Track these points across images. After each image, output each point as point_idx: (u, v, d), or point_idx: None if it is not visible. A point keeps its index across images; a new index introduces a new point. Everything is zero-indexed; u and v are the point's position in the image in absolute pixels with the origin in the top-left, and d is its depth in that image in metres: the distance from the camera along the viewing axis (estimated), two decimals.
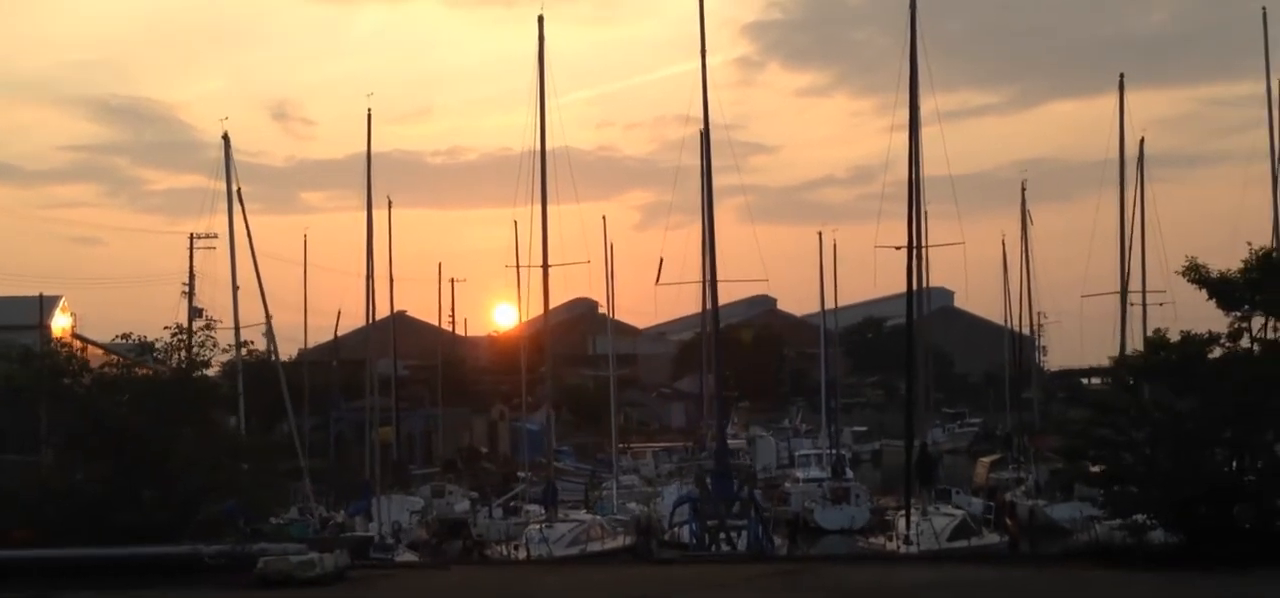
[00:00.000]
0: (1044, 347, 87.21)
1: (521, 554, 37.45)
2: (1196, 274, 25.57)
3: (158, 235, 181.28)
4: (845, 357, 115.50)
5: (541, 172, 40.87)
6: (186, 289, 64.78)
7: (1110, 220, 51.21)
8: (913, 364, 36.82)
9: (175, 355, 28.66)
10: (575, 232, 47.46)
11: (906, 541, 33.89)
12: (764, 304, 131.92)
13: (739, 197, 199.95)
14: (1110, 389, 28.90)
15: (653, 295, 62.20)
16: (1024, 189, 57.96)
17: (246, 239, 42.70)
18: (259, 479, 29.96)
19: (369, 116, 48.80)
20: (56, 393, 29.04)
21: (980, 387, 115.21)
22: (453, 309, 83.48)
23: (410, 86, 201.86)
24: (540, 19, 43.13)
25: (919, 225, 35.83)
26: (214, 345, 29.45)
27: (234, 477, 29.34)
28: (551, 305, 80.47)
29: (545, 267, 42.34)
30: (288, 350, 65.82)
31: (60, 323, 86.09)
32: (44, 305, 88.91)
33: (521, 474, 74.19)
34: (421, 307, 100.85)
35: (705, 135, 38.21)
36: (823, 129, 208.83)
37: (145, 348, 28.94)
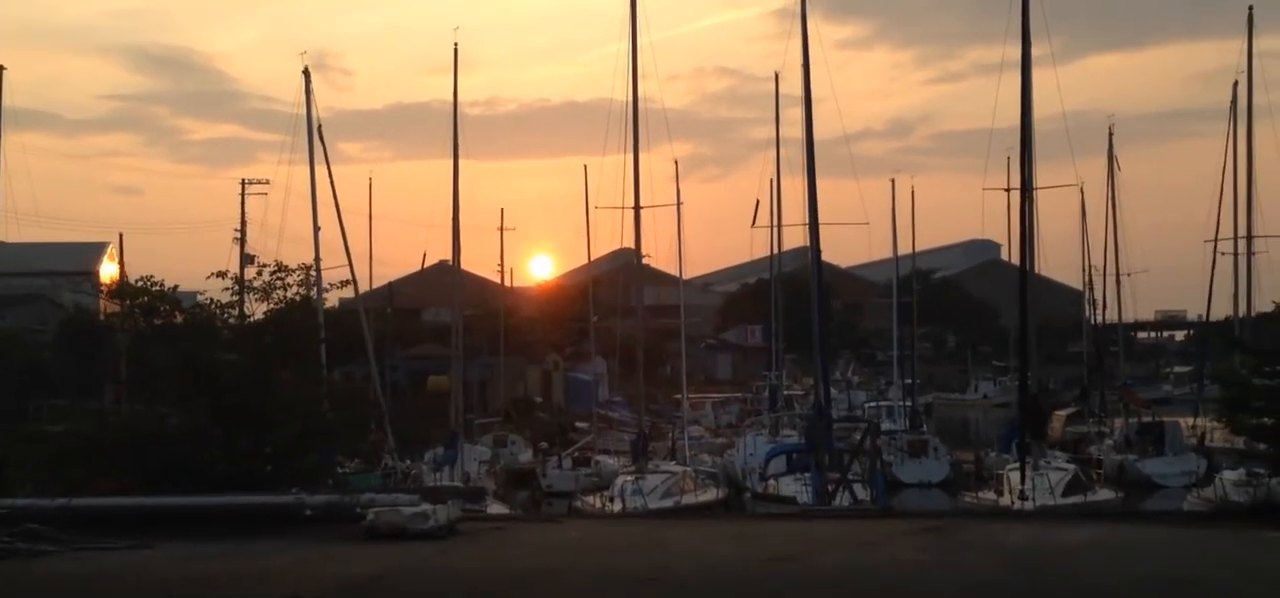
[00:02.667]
0: (1094, 299, 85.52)
1: (616, 506, 35.87)
2: None
3: (198, 182, 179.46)
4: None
5: (634, 113, 39.20)
6: (238, 236, 63.61)
7: (1199, 167, 49.39)
8: (1026, 312, 34.90)
9: (275, 294, 27.02)
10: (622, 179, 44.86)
11: (1021, 496, 32.17)
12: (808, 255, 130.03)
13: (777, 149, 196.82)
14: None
15: (694, 245, 61.20)
16: (1112, 134, 55.70)
17: (328, 179, 40.48)
18: (350, 427, 28.49)
19: (455, 52, 46.73)
20: (143, 334, 27.51)
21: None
22: (501, 258, 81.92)
23: (447, 37, 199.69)
24: None
25: (1030, 167, 33.90)
26: (313, 285, 27.80)
27: (327, 423, 27.88)
28: (594, 256, 78.92)
29: (637, 208, 40.69)
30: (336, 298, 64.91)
31: (108, 271, 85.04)
32: (91, 252, 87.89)
33: (579, 425, 72.83)
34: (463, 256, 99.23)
35: (806, 68, 36.43)
36: (862, 82, 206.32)
37: (244, 287, 27.31)
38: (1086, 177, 56.28)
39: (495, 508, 34.05)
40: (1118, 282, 58.63)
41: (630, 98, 39.21)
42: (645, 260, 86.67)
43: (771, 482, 38.04)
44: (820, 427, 34.21)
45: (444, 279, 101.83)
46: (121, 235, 65.29)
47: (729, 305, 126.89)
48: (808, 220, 36.84)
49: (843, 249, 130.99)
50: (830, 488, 32.05)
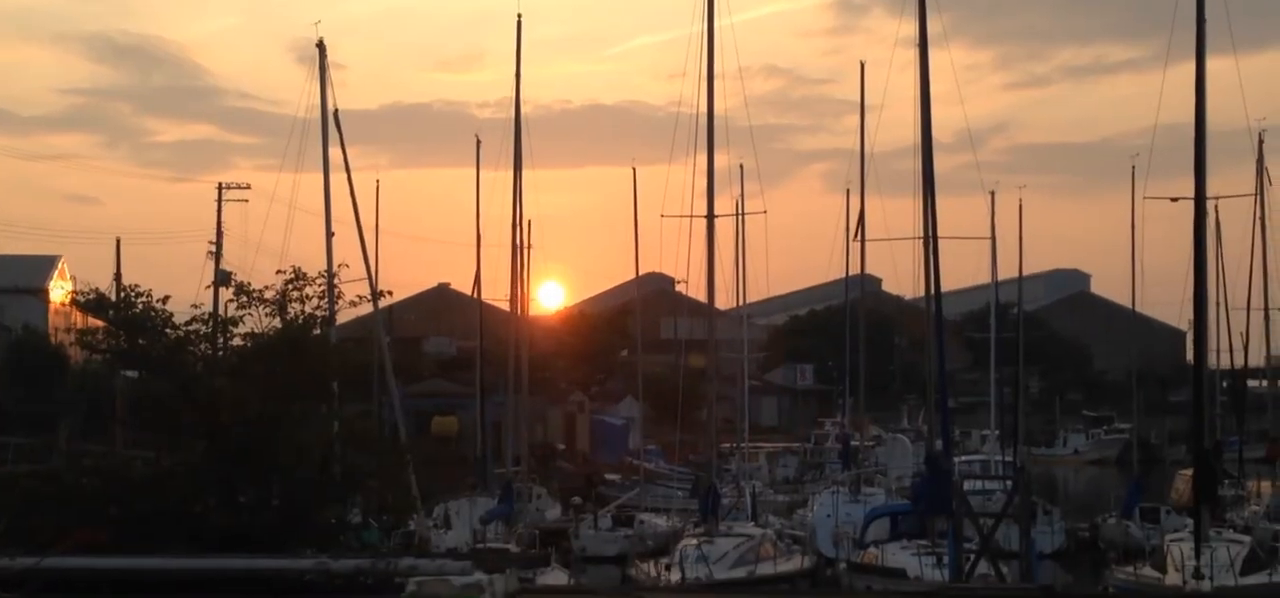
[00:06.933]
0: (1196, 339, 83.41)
1: (675, 576, 33.59)
2: None
3: (165, 188, 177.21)
4: (966, 350, 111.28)
5: (710, 111, 37.31)
6: (212, 249, 61.61)
7: None
8: (1202, 346, 32.76)
9: (293, 307, 24.95)
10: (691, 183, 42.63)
11: (1197, 574, 29.97)
12: (868, 285, 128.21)
13: (824, 162, 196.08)
14: None
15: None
16: (1262, 142, 53.25)
17: (346, 175, 37.87)
18: (387, 477, 26.56)
19: (519, 35, 44.31)
20: (130, 356, 25.57)
21: (1124, 385, 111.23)
22: (526, 279, 79.56)
23: (454, 27, 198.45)
24: None
25: (1203, 171, 31.78)
26: (340, 297, 25.85)
27: (356, 471, 25.95)
28: (624, 281, 76.61)
29: (710, 217, 38.57)
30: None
31: (59, 288, 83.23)
32: (40, 266, 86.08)
33: (610, 476, 70.66)
34: (463, 279, 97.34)
35: (923, 45, 34.59)
36: (931, 85, 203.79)
37: (252, 298, 25.24)
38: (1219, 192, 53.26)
39: (552, 575, 32.10)
40: (1265, 317, 56.16)
41: (706, 76, 37.16)
42: (679, 287, 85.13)
43: (872, 550, 35.80)
44: (942, 484, 31.92)
45: (447, 305, 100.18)
46: (119, 241, 63.20)
47: (774, 341, 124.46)
48: (922, 233, 34.74)
49: (906, 281, 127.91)
50: (969, 560, 29.77)
